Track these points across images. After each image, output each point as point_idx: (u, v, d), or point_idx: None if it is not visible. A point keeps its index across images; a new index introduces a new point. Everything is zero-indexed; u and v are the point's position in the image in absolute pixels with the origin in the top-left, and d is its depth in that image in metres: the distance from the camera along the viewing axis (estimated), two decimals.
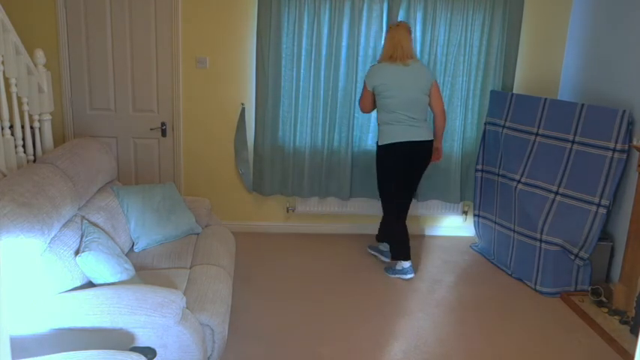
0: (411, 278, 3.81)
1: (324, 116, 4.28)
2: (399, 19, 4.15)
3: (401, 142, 3.61)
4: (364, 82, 3.71)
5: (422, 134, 3.65)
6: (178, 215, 3.28)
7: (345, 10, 4.12)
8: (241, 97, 4.32)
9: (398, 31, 3.65)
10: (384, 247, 4.07)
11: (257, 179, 4.41)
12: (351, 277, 3.82)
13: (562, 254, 3.67)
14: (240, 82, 4.30)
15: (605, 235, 3.75)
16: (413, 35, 4.17)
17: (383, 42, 3.66)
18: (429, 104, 3.75)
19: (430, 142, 3.71)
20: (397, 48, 3.62)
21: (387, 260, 4.02)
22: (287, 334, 3.08)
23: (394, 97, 3.59)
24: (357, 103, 4.27)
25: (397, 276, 3.83)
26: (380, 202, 3.92)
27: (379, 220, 4.12)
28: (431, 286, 3.76)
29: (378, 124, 3.73)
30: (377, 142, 3.74)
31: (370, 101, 3.74)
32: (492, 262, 4.18)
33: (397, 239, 3.83)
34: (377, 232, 4.11)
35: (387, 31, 3.75)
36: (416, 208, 4.57)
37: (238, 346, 2.93)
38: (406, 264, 3.81)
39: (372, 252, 4.18)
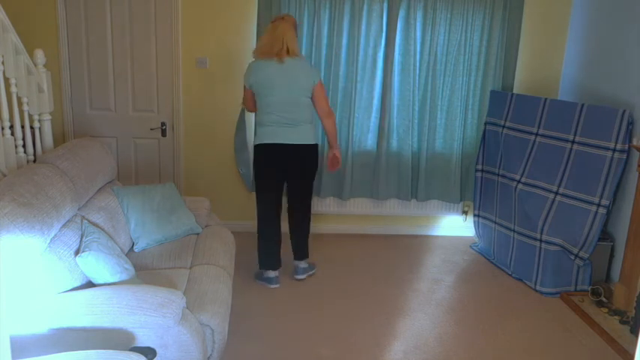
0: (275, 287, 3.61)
1: None
2: (399, 19, 4.15)
3: (273, 144, 3.40)
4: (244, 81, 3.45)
5: (298, 137, 3.41)
6: (178, 215, 3.28)
7: (345, 10, 4.12)
8: (241, 97, 4.31)
9: (281, 24, 3.36)
10: (304, 264, 3.75)
11: None
12: (351, 277, 3.82)
13: (562, 254, 3.67)
14: (240, 82, 4.30)
15: (605, 235, 3.75)
16: (412, 35, 4.19)
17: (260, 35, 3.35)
18: (314, 106, 3.48)
19: (310, 145, 3.45)
20: (275, 42, 3.33)
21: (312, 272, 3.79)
22: (287, 334, 3.08)
23: (268, 97, 3.36)
24: (356, 102, 4.27)
25: (263, 283, 3.64)
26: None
27: (379, 221, 4.10)
28: (431, 286, 3.76)
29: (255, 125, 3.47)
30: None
31: (252, 101, 3.50)
32: (492, 262, 4.18)
33: (264, 246, 3.60)
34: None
35: (269, 23, 3.45)
36: (416, 207, 4.58)
37: (238, 346, 2.93)
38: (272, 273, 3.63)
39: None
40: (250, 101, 3.54)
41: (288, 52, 3.34)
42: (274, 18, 3.52)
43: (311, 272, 3.79)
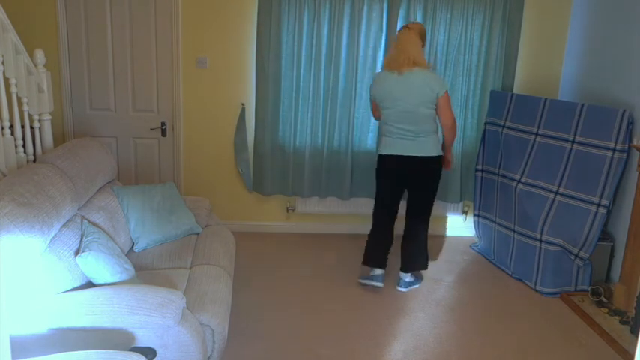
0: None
1: (324, 116, 4.28)
2: (399, 19, 4.15)
3: (390, 155, 3.46)
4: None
5: (415, 149, 3.40)
6: (178, 215, 3.28)
7: (345, 10, 4.12)
8: (241, 97, 4.32)
9: (407, 34, 3.35)
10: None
11: (257, 179, 4.41)
12: (351, 277, 3.82)
13: (562, 254, 3.67)
14: (240, 82, 4.30)
15: (605, 235, 3.75)
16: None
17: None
18: (438, 117, 3.46)
19: (427, 158, 3.41)
20: (400, 54, 3.33)
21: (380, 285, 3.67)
22: (287, 334, 3.08)
23: (387, 109, 3.40)
24: (356, 102, 4.27)
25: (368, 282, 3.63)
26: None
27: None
28: (431, 286, 3.76)
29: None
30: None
31: (378, 110, 3.55)
32: (492, 262, 4.18)
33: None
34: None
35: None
36: None
37: (238, 346, 2.93)
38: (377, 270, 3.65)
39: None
40: (376, 111, 3.61)
41: (414, 63, 3.31)
42: (402, 26, 3.45)
43: (414, 286, 3.72)
